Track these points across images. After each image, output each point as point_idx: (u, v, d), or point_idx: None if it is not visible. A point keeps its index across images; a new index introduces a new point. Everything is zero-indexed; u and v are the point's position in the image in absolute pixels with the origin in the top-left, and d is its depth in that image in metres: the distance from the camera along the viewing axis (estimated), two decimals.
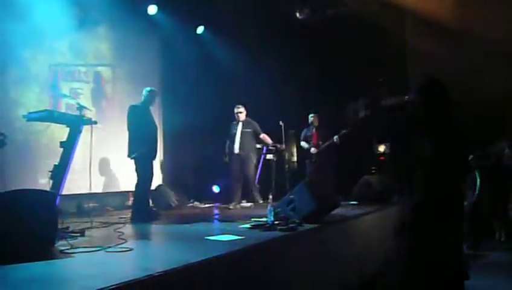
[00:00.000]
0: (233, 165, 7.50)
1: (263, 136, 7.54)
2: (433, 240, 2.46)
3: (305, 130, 8.37)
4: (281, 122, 7.76)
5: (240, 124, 7.55)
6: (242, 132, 7.52)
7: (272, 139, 7.82)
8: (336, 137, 7.90)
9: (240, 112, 7.54)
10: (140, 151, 5.62)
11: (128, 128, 5.75)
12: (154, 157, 5.92)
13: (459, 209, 2.54)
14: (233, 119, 7.66)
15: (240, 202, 7.52)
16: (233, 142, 7.52)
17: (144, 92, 6.03)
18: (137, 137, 5.66)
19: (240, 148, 7.47)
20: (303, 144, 8.30)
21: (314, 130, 8.23)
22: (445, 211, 2.47)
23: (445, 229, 2.48)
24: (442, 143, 2.50)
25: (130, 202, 6.91)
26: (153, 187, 7.49)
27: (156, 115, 8.58)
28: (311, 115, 8.25)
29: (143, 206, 5.77)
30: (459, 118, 2.65)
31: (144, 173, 5.74)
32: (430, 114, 2.62)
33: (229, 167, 7.59)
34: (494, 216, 7.47)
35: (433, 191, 2.51)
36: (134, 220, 5.55)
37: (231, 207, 7.21)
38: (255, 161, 7.61)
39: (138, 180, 5.74)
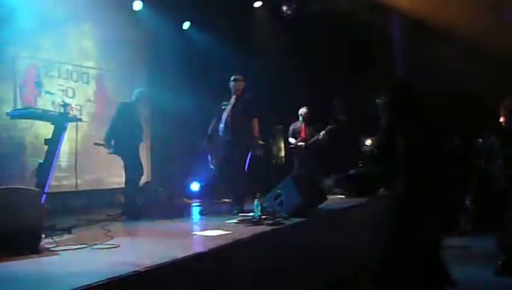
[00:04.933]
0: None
1: None
2: (413, 229, 2.57)
3: (292, 125, 8.35)
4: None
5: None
6: None
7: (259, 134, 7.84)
8: (322, 133, 7.91)
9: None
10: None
11: (112, 122, 5.78)
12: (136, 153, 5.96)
13: (441, 200, 2.63)
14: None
15: None
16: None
17: (136, 91, 6.14)
18: (118, 133, 5.71)
19: None
20: (291, 139, 8.30)
21: (303, 124, 8.22)
22: (425, 202, 2.58)
23: (425, 220, 2.58)
24: (414, 140, 2.62)
25: (117, 200, 6.89)
26: (140, 184, 7.48)
27: (144, 112, 8.57)
28: (301, 110, 8.23)
29: (131, 204, 5.78)
30: (434, 115, 2.76)
31: (132, 171, 5.76)
32: (401, 114, 2.73)
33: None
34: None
35: (411, 183, 2.63)
36: (122, 217, 5.55)
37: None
38: None
39: (126, 177, 5.75)
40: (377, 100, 2.84)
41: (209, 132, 6.05)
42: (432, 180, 2.63)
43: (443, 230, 2.75)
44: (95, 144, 5.88)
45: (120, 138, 5.72)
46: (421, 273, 2.65)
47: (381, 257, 2.87)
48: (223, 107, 6.00)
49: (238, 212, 5.42)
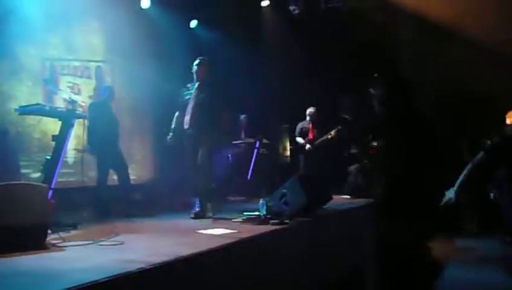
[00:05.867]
0: None
1: None
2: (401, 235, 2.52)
3: (300, 124, 8.32)
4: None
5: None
6: None
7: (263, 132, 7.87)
8: (331, 133, 7.91)
9: None
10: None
11: (89, 125, 5.78)
12: (113, 152, 5.92)
13: (433, 204, 2.57)
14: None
15: None
16: None
17: (103, 88, 6.24)
18: (95, 134, 5.70)
19: None
20: (298, 139, 8.27)
21: (310, 124, 8.20)
22: (416, 205, 2.53)
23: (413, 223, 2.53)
24: (410, 139, 2.56)
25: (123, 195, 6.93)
26: (146, 180, 7.50)
27: (150, 109, 8.58)
28: (309, 110, 8.21)
29: (99, 201, 5.76)
30: (430, 114, 2.71)
31: (101, 168, 5.84)
32: (396, 112, 2.67)
33: None
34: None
35: (402, 185, 2.58)
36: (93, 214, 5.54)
37: None
38: None
39: (99, 176, 5.85)
40: (371, 90, 2.74)
41: (172, 125, 5.44)
42: (414, 184, 2.54)
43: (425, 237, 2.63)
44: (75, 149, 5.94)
45: (96, 139, 5.72)
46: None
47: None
48: (186, 97, 5.32)
49: (201, 214, 5.05)
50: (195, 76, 5.32)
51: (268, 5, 9.47)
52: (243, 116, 8.63)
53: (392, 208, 2.52)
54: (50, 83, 5.92)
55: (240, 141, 8.39)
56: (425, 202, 2.52)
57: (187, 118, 5.20)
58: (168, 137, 5.42)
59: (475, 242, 7.03)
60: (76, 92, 7.34)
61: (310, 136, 8.08)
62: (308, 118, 8.16)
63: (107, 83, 6.28)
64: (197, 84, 5.29)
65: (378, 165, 2.74)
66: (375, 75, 2.84)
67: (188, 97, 5.29)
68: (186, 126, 5.22)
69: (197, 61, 5.33)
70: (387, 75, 2.81)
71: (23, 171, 6.24)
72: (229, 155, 8.50)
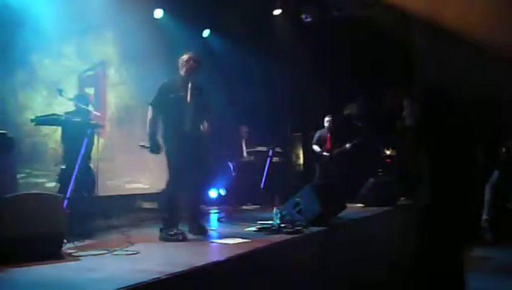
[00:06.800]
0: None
1: None
2: (441, 241, 2.53)
3: (318, 133, 8.29)
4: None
5: None
6: None
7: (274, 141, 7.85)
8: (348, 145, 7.89)
9: None
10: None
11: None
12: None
13: (465, 214, 2.58)
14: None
15: None
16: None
17: (76, 96, 5.92)
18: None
19: None
20: (315, 147, 8.24)
21: (329, 133, 8.17)
22: (453, 212, 2.54)
23: (453, 229, 2.54)
24: (444, 149, 2.58)
25: (138, 205, 6.94)
26: (160, 189, 7.49)
27: None
28: (327, 118, 8.18)
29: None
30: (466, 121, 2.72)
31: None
32: (433, 123, 2.69)
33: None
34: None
35: (438, 193, 2.59)
36: None
37: None
38: None
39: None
40: (406, 101, 2.79)
41: (148, 130, 4.59)
42: (457, 192, 2.56)
43: (465, 244, 2.66)
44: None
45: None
46: None
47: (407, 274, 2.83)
48: (171, 95, 4.62)
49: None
50: (184, 72, 4.85)
51: (280, 14, 9.49)
52: (243, 127, 8.58)
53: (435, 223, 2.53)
54: (62, 93, 5.93)
55: (253, 150, 8.37)
56: (467, 218, 2.54)
57: (187, 119, 4.52)
58: (150, 146, 4.55)
59: (491, 251, 6.91)
60: (91, 102, 7.40)
61: (328, 144, 8.06)
62: (326, 126, 8.13)
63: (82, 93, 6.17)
64: (190, 83, 4.76)
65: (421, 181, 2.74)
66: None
67: (172, 96, 4.61)
68: (187, 128, 4.50)
69: (186, 58, 4.85)
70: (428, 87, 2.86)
71: (38, 180, 6.29)
72: (231, 165, 8.45)
